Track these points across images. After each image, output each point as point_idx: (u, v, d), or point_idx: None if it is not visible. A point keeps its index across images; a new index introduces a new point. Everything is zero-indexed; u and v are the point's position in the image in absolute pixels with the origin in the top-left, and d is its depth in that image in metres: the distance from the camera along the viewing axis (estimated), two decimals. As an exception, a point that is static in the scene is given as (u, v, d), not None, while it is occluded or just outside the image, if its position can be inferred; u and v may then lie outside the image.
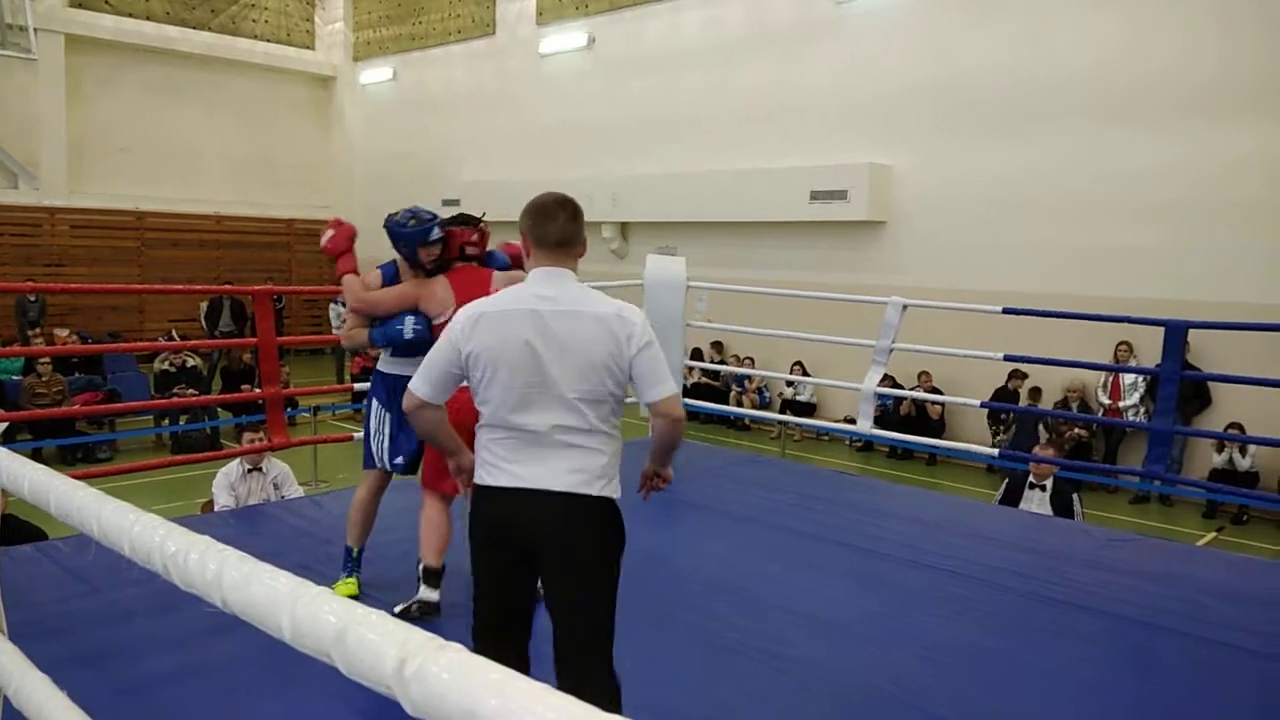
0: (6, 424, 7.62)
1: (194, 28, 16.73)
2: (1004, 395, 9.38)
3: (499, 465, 2.21)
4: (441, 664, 0.55)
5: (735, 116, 12.03)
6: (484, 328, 2.20)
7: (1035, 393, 9.57)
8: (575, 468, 2.18)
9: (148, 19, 16.15)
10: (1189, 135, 8.52)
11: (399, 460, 3.61)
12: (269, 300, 5.13)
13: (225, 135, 17.22)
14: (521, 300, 2.23)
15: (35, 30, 13.82)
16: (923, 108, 10.34)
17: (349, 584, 3.58)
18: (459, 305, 3.02)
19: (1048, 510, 5.63)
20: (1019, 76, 9.54)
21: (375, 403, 3.70)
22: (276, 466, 5.43)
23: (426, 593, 3.33)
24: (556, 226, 2.27)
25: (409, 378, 3.26)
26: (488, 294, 3.09)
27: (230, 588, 0.71)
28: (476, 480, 2.28)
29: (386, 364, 3.72)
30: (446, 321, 2.98)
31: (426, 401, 2.29)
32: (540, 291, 2.23)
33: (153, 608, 3.13)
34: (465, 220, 3.70)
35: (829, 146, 10.99)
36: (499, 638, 2.30)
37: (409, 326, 3.53)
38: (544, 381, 2.16)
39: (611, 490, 2.24)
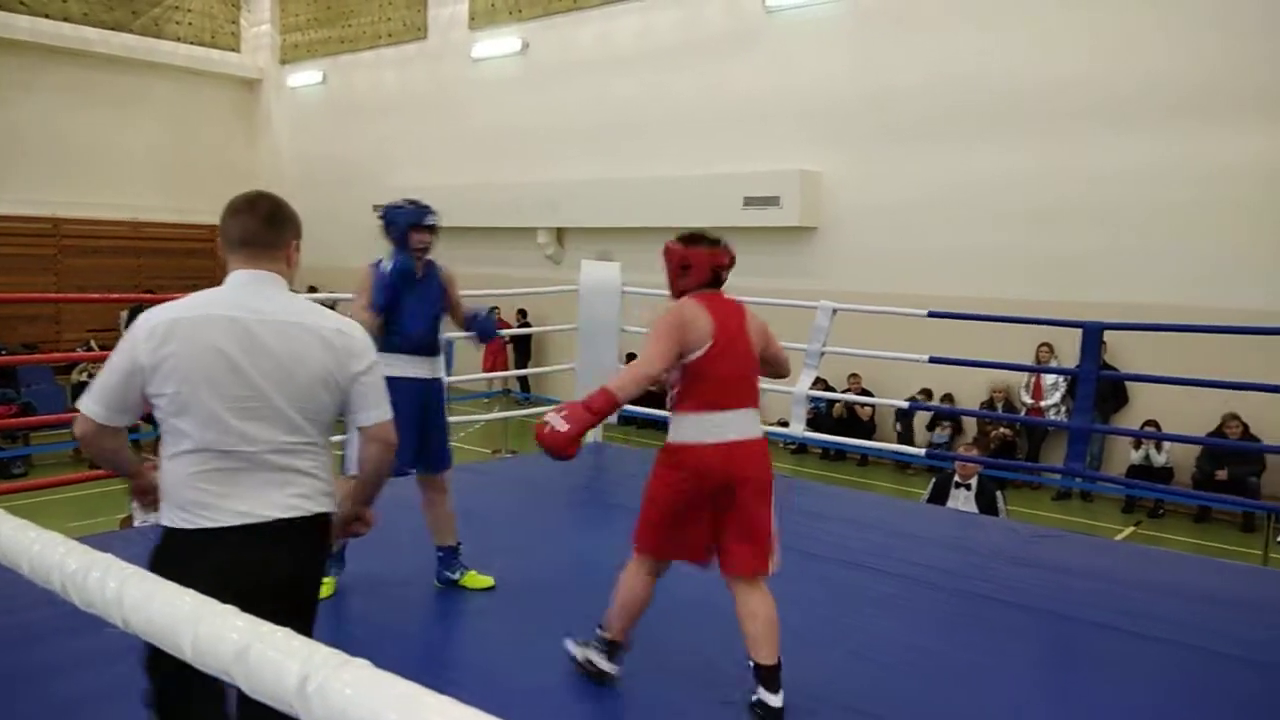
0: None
1: (113, 29, 16.21)
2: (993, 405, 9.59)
3: (213, 502, 1.90)
4: (345, 679, 0.54)
5: (670, 122, 12.10)
6: (177, 336, 1.90)
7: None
8: (299, 491, 1.99)
9: (65, 20, 15.60)
10: (1102, 142, 8.83)
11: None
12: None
13: (147, 139, 16.72)
14: (214, 305, 1.96)
15: (-58, 29, 13.28)
16: (851, 116, 10.53)
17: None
18: (718, 338, 2.75)
19: (973, 508, 5.78)
20: (944, 85, 9.78)
21: None
22: (201, 479, 5.28)
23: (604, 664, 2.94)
24: (238, 224, 2.03)
25: (392, 379, 3.04)
26: (745, 326, 2.87)
27: (131, 607, 0.69)
28: (180, 523, 1.92)
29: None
30: (704, 356, 2.72)
31: (105, 426, 1.96)
32: (238, 297, 1.98)
33: (74, 627, 3.01)
34: (705, 239, 3.00)
35: (761, 153, 11.12)
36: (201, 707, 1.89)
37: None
38: (256, 398, 1.91)
39: (330, 505, 2.09)
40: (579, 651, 2.96)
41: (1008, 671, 3.20)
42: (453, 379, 6.26)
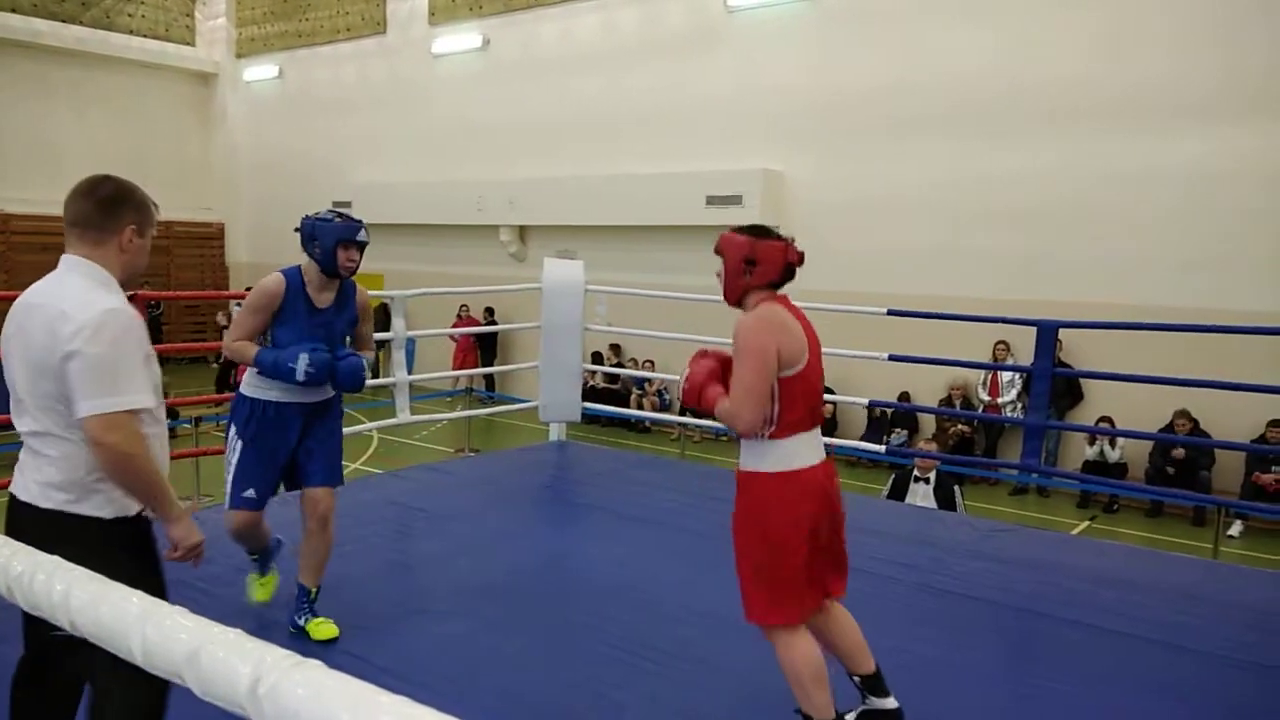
0: None
1: (64, 21, 15.84)
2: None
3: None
4: (296, 680, 0.53)
5: (632, 120, 12.10)
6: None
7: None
8: (39, 479, 2.02)
9: (13, 11, 15.20)
10: (1056, 144, 8.98)
11: (249, 493, 3.24)
12: (143, 306, 4.89)
13: (98, 134, 16.36)
14: (27, 292, 2.12)
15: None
16: (813, 115, 10.61)
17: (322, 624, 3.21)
18: (812, 347, 2.50)
19: (932, 503, 5.85)
20: (905, 86, 9.88)
21: (232, 428, 3.28)
22: (155, 480, 5.18)
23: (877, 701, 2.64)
24: (70, 205, 2.09)
25: (277, 404, 3.06)
26: (814, 332, 2.53)
27: (78, 609, 0.67)
28: None
29: (250, 384, 3.25)
30: (806, 367, 2.44)
31: None
32: (40, 284, 2.11)
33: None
34: (773, 233, 2.59)
35: (724, 152, 11.17)
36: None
37: (302, 368, 3.03)
38: (14, 386, 2.04)
39: (85, 506, 2.01)
40: None
41: (967, 664, 3.25)
42: (416, 377, 6.21)
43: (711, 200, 11.00)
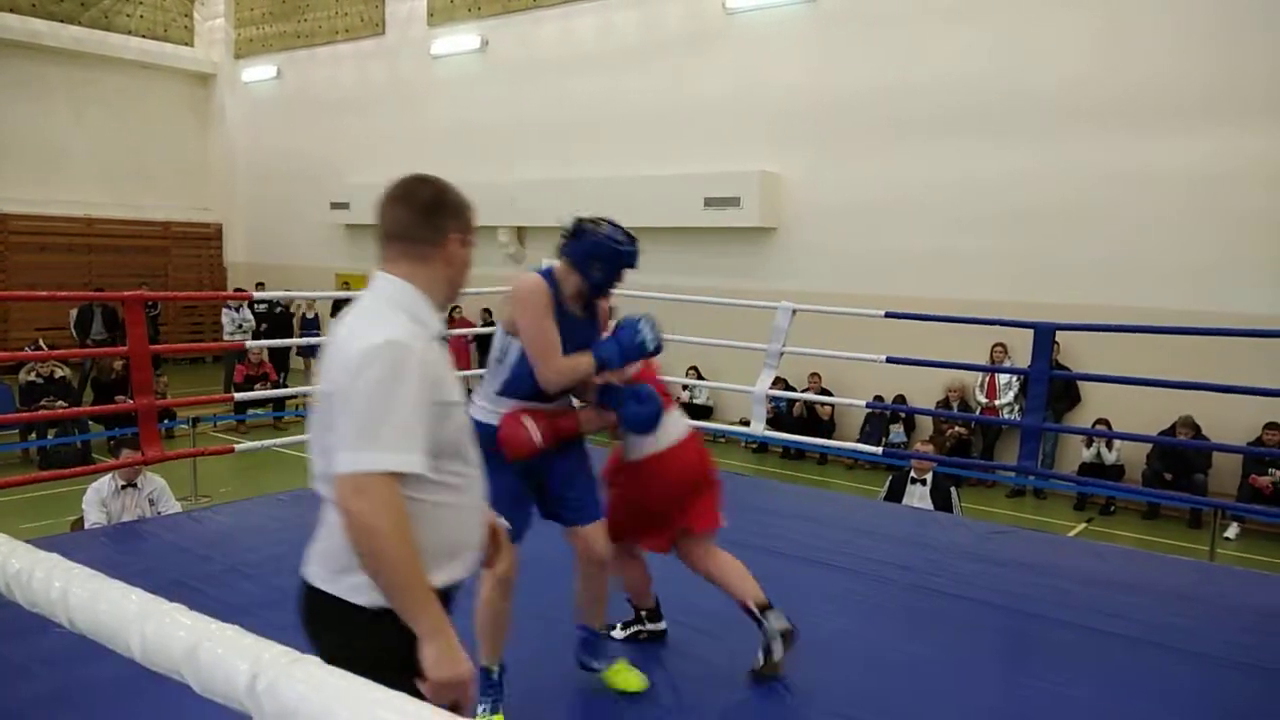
0: None
1: (63, 21, 15.82)
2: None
3: None
4: (295, 676, 0.54)
5: (630, 122, 12.11)
6: None
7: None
8: (320, 549, 1.63)
9: (12, 11, 15.19)
10: (1055, 146, 8.99)
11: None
12: (141, 307, 4.89)
13: (97, 134, 16.35)
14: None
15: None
16: (811, 118, 10.62)
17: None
18: None
19: (929, 504, 5.86)
20: (904, 88, 9.89)
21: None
22: (152, 482, 5.20)
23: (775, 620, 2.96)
24: (382, 215, 1.75)
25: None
26: None
27: (77, 607, 0.68)
28: None
29: (486, 407, 2.76)
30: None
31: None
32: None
33: (18, 630, 2.94)
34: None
35: (722, 154, 11.17)
36: None
37: (650, 335, 2.82)
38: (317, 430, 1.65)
39: (340, 586, 1.58)
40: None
41: (962, 665, 3.25)
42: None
43: (710, 202, 11.01)
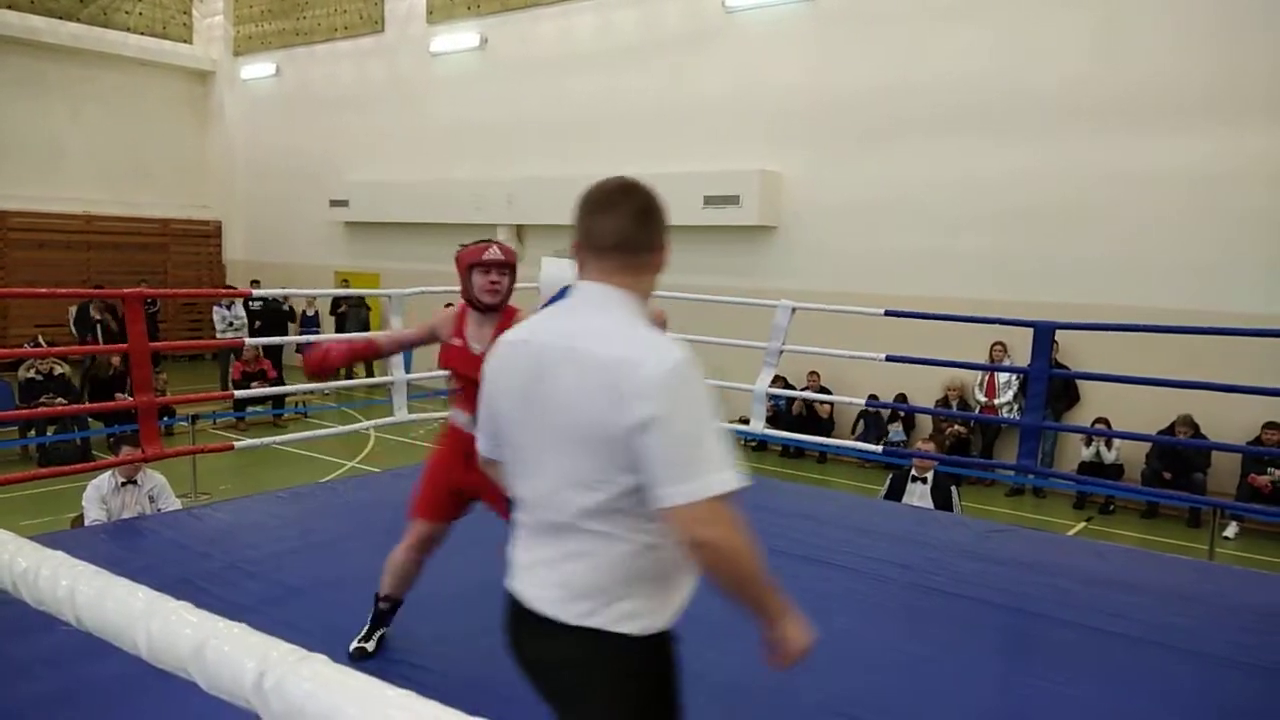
0: None
1: (61, 18, 15.80)
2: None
3: (513, 558, 1.67)
4: (303, 674, 0.54)
5: (629, 121, 12.11)
6: (498, 363, 1.65)
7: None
8: (560, 580, 1.54)
9: (10, 7, 15.15)
10: (1054, 145, 8.99)
11: None
12: (140, 304, 4.89)
13: (95, 132, 16.33)
14: (540, 331, 1.62)
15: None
16: (810, 116, 10.62)
17: None
18: None
19: (929, 503, 5.86)
20: (904, 87, 9.89)
21: None
22: (152, 479, 5.20)
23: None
24: (607, 222, 1.60)
25: None
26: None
27: (83, 604, 0.68)
28: None
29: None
30: None
31: (488, 457, 1.72)
32: (555, 320, 1.63)
33: (22, 629, 2.94)
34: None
35: (721, 152, 11.17)
36: None
37: None
38: (535, 449, 1.56)
39: (614, 619, 1.53)
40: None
41: (961, 664, 3.26)
42: (413, 376, 6.21)
43: (709, 201, 11.02)
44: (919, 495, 5.96)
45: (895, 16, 10.04)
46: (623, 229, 1.58)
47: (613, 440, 1.43)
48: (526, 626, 1.58)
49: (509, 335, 1.64)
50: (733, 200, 10.85)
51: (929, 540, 4.65)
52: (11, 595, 0.74)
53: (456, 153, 14.03)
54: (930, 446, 6.30)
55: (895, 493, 6.11)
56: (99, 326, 12.96)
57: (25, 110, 15.42)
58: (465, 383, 2.99)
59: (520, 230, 13.57)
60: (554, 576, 1.53)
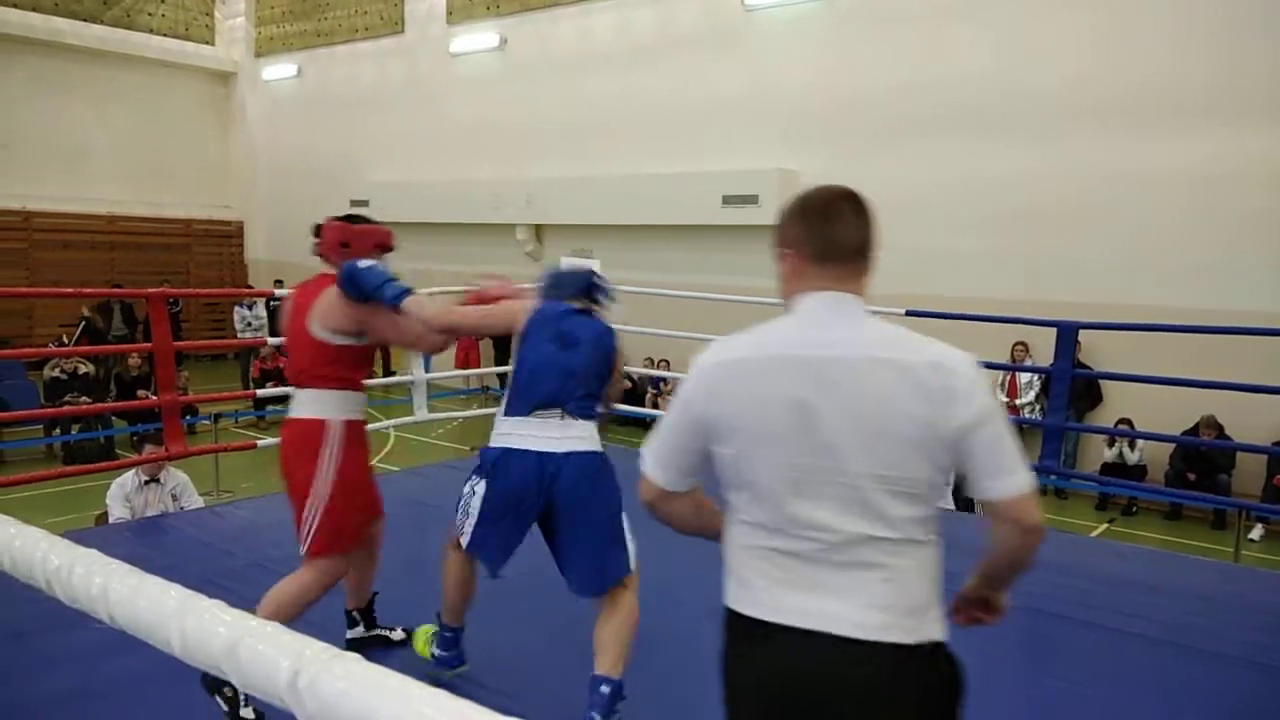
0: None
1: (85, 20, 15.98)
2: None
3: (769, 590, 1.52)
4: (336, 673, 0.54)
5: (648, 120, 12.11)
6: (732, 382, 1.54)
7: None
8: (882, 601, 1.48)
9: (34, 10, 15.36)
10: (1090, 142, 8.91)
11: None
12: (163, 303, 4.94)
13: (118, 132, 16.51)
14: (789, 344, 1.55)
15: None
16: (830, 115, 10.58)
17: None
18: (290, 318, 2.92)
19: (950, 504, 5.82)
20: (923, 85, 9.84)
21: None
22: (175, 477, 5.25)
23: None
24: (846, 229, 1.57)
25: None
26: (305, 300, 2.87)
27: (117, 602, 0.69)
28: (733, 603, 1.58)
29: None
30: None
31: (667, 490, 1.63)
32: (817, 331, 1.55)
33: (48, 625, 2.98)
34: (360, 219, 3.14)
35: (740, 152, 11.15)
36: None
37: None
38: (831, 463, 1.48)
39: (940, 630, 1.55)
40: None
41: (983, 665, 3.22)
42: (432, 375, 6.25)
43: (728, 200, 11.00)
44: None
45: (914, 14, 9.99)
46: (863, 237, 1.58)
47: (942, 440, 1.47)
48: (827, 656, 1.47)
49: (730, 354, 1.58)
50: (751, 200, 10.82)
51: (950, 541, 4.62)
52: (45, 593, 0.75)
53: (475, 153, 14.07)
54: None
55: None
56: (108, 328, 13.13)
57: (50, 111, 15.61)
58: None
59: (539, 229, 13.61)
60: (869, 598, 1.47)
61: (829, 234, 1.56)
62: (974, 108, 9.48)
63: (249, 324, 13.62)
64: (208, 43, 17.90)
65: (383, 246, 2.97)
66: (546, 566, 2.75)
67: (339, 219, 2.98)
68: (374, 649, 3.14)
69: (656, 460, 1.62)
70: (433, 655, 2.94)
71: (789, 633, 1.48)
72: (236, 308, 14.06)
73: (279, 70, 17.42)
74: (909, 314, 5.42)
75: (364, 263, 2.76)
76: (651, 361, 11.86)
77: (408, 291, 2.72)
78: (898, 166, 10.04)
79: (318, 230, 2.96)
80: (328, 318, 2.81)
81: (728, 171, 11.05)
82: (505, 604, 3.61)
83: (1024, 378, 9.47)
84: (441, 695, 0.50)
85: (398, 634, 3.23)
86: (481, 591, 2.91)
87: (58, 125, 15.69)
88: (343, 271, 2.75)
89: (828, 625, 1.46)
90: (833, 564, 1.47)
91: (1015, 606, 3.72)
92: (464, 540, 2.68)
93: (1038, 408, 9.24)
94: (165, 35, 17.15)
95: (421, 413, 6.00)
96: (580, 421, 2.66)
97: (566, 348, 2.67)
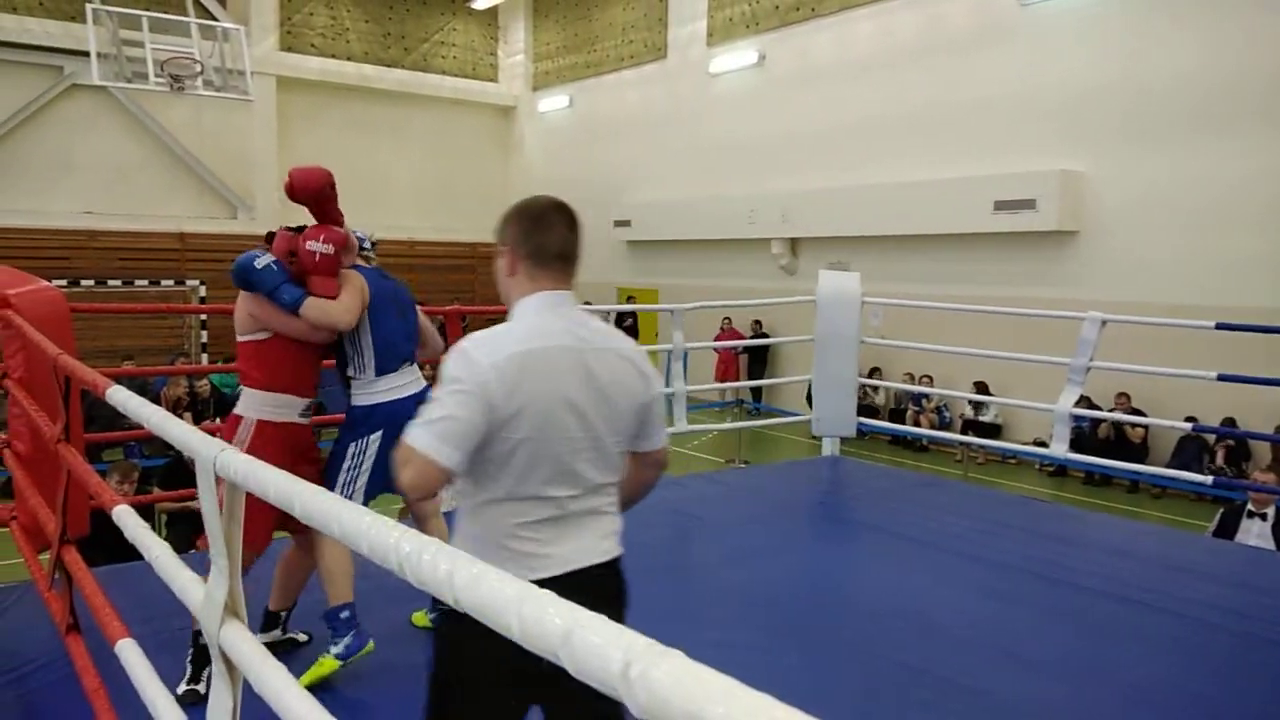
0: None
1: (388, 66, 17.99)
2: None
3: (541, 553, 1.75)
4: (663, 669, 0.57)
5: (911, 126, 11.72)
6: (525, 374, 1.72)
7: None
8: (610, 531, 1.87)
9: (348, 59, 17.52)
10: None
11: None
12: (458, 320, 5.41)
13: (414, 165, 18.41)
14: (559, 335, 1.79)
15: (251, 74, 15.22)
16: (1116, 110, 9.72)
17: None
18: None
19: (1269, 543, 5.14)
20: (1220, 73, 8.82)
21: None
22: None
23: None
24: (558, 236, 1.84)
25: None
26: None
27: (462, 587, 0.77)
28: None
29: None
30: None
31: (453, 471, 1.72)
32: (565, 324, 1.81)
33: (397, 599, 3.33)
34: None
35: (1013, 153, 10.52)
36: None
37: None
38: (589, 437, 1.79)
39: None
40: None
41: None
42: (692, 388, 6.39)
43: (1000, 205, 10.41)
44: (1256, 534, 5.23)
45: (1201, 1, 8.97)
46: (573, 241, 1.86)
47: (642, 408, 1.88)
48: (589, 580, 1.78)
49: (526, 344, 1.76)
50: (1028, 204, 10.17)
51: (1265, 584, 4.09)
52: (397, 575, 0.87)
53: (732, 169, 14.28)
54: (1271, 478, 5.51)
55: (1226, 530, 5.41)
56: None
57: (359, 148, 17.65)
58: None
59: (794, 243, 13.55)
60: (606, 528, 1.87)
61: (543, 239, 1.84)
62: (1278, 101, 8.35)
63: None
64: (491, 80, 19.49)
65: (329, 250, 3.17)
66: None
67: (290, 229, 3.18)
68: (282, 652, 3.10)
69: (452, 445, 1.68)
70: (343, 645, 2.87)
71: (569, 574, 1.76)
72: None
73: (553, 102, 18.63)
74: (1219, 327, 4.85)
75: (260, 261, 2.97)
76: (911, 377, 11.42)
77: (303, 298, 2.97)
78: (1201, 163, 9.07)
79: (270, 238, 3.17)
80: (236, 317, 3.06)
81: (1000, 175, 10.47)
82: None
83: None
84: (769, 701, 0.52)
85: (302, 637, 3.22)
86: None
87: (364, 160, 17.67)
88: (235, 267, 2.99)
89: (587, 560, 1.80)
90: (572, 521, 1.80)
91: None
92: (358, 500, 2.92)
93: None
94: (455, 75, 18.88)
95: (681, 424, 6.15)
96: (415, 365, 3.33)
97: (403, 314, 3.35)
